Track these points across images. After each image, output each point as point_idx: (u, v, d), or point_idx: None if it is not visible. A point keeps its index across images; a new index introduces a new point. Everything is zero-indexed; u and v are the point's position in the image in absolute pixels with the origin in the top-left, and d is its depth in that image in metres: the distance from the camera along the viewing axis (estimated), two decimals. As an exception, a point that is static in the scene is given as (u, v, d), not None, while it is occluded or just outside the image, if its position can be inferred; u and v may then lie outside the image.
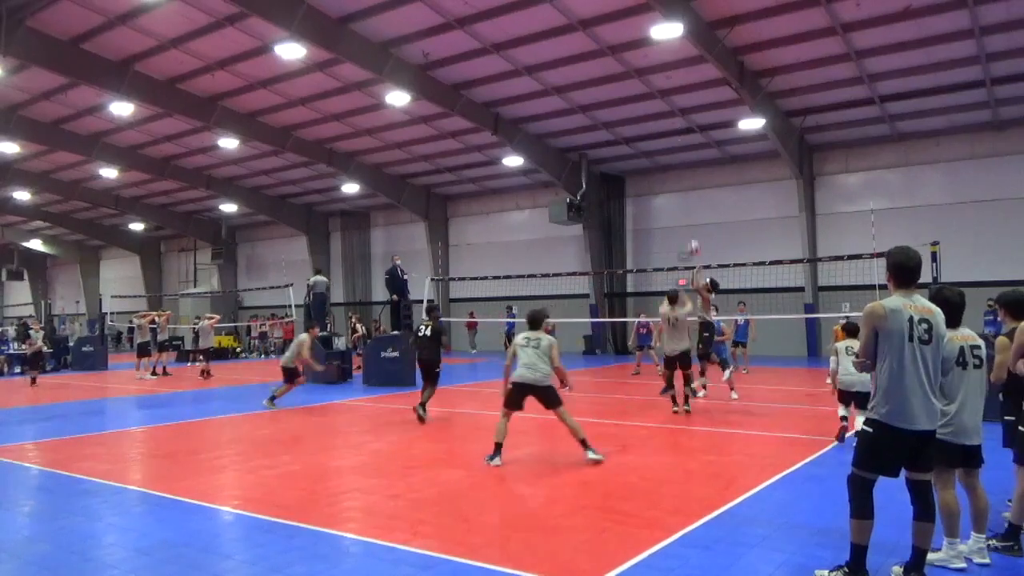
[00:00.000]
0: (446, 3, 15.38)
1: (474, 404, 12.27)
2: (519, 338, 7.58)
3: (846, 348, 7.97)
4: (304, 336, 12.80)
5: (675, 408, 10.60)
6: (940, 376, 4.00)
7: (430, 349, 10.61)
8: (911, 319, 3.87)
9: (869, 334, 3.98)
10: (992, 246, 19.32)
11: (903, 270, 4.01)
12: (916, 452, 3.94)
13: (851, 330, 8.35)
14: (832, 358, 8.34)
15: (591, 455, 7.22)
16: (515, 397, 7.38)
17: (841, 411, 8.38)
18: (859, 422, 7.89)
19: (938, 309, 4.02)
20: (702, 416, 10.46)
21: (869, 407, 4.03)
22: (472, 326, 27.26)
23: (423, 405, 10.21)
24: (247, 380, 18.26)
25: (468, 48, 17.37)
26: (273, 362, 25.95)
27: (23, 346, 17.98)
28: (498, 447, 7.26)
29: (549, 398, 7.31)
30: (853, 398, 8.10)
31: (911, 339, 3.85)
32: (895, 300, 3.94)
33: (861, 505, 3.98)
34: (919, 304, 3.96)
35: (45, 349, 23.50)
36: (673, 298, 10.78)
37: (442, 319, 12.46)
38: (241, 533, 5.38)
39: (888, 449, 3.94)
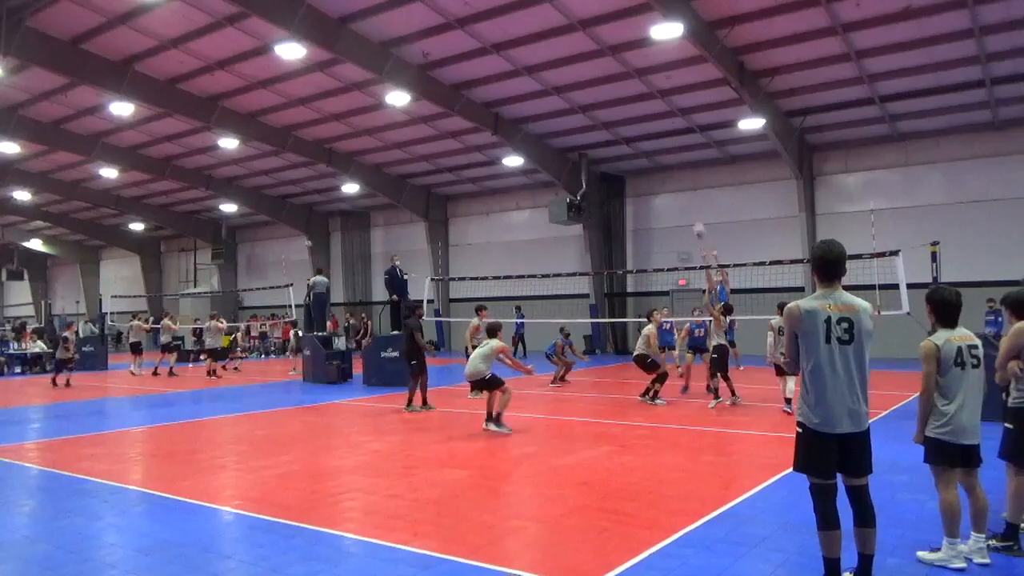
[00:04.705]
0: (446, 3, 15.39)
1: (474, 404, 12.27)
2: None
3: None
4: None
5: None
6: (866, 374, 3.84)
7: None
8: (829, 319, 3.77)
9: (789, 335, 3.94)
10: (992, 246, 19.31)
11: (823, 263, 3.92)
12: (844, 455, 3.84)
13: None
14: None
15: (491, 426, 9.13)
16: None
17: None
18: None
19: (863, 306, 3.88)
20: (702, 416, 10.46)
21: (797, 409, 3.97)
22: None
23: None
24: (247, 380, 18.26)
25: (468, 48, 17.37)
26: (273, 362, 26.03)
27: (60, 348, 17.38)
28: None
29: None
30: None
31: (828, 340, 3.76)
32: (812, 300, 3.86)
33: (824, 514, 3.85)
34: (840, 302, 3.84)
35: (45, 349, 23.56)
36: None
37: (440, 319, 14.51)
38: (241, 533, 5.38)
39: (815, 452, 3.87)
